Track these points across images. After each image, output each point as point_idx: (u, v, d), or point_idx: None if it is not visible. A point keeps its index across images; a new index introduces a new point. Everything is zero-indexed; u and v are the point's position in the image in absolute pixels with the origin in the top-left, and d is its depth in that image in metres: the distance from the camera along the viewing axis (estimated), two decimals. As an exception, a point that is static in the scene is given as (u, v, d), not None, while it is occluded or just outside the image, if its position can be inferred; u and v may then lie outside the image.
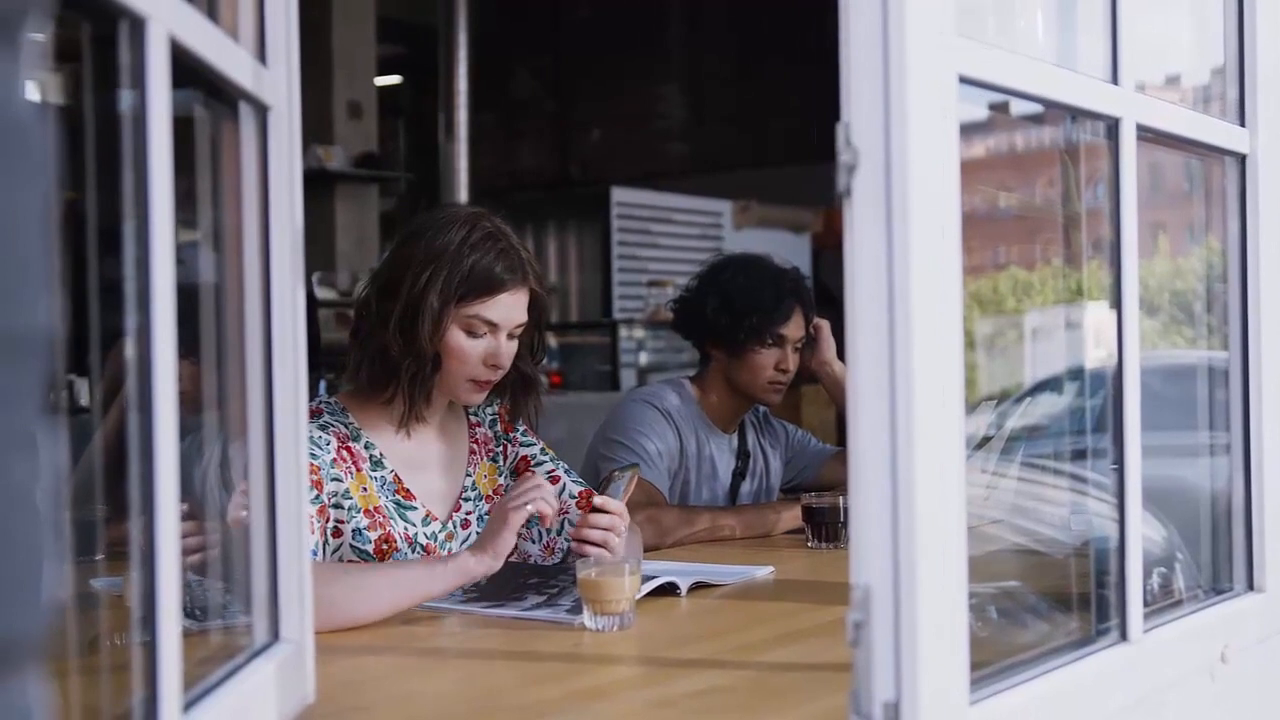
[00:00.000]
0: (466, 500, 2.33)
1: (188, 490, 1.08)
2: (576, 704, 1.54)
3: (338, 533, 2.13)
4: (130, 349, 1.01)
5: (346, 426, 2.22)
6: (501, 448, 2.41)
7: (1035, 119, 1.72)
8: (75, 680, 1.17)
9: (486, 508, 2.34)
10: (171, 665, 1.02)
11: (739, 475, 3.15)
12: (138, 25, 0.99)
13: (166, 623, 1.01)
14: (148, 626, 1.01)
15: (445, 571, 1.97)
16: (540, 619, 1.93)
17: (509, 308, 2.21)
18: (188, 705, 1.09)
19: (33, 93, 0.59)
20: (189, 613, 1.25)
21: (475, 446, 2.38)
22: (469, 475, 2.35)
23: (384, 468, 2.23)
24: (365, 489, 2.19)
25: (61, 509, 0.62)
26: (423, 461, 2.29)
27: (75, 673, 1.17)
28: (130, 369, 1.02)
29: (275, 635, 1.37)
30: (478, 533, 2.29)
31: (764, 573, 2.36)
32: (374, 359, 2.20)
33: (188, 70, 1.11)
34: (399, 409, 2.24)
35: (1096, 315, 1.90)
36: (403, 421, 2.24)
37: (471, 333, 2.19)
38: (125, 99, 1.02)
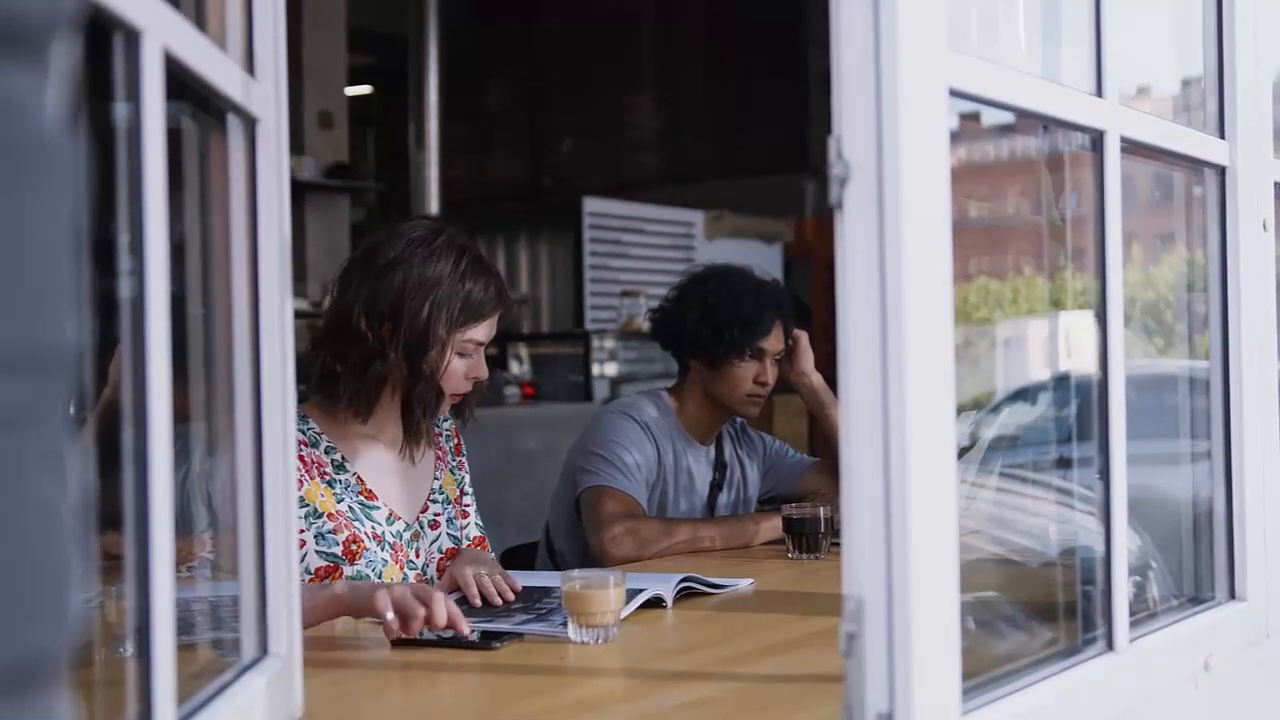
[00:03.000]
0: (435, 502, 2.41)
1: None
2: (565, 717, 1.54)
3: (299, 544, 2.16)
4: (125, 362, 1.00)
5: (304, 433, 2.26)
6: (457, 462, 2.52)
7: (1005, 129, 1.73)
8: (80, 706, 1.16)
9: (453, 511, 2.44)
10: (165, 680, 1.01)
11: (716, 487, 3.15)
12: (133, 38, 0.98)
13: (161, 638, 1.00)
14: (142, 641, 1.00)
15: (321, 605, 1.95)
16: (535, 632, 1.93)
17: (493, 326, 2.34)
18: (180, 721, 1.08)
19: (60, 108, 0.58)
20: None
21: (440, 453, 2.47)
22: (436, 479, 2.43)
23: (347, 471, 2.28)
24: (324, 495, 2.24)
25: (86, 526, 0.61)
26: (389, 466, 2.35)
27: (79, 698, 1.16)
28: (122, 381, 1.01)
29: (264, 650, 1.36)
30: (447, 534, 2.40)
31: (745, 584, 2.36)
32: (374, 385, 2.26)
33: (177, 81, 1.11)
34: (392, 425, 2.33)
35: (1069, 325, 1.91)
36: (404, 446, 2.34)
37: (462, 354, 2.30)
38: (118, 110, 1.02)
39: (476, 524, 2.52)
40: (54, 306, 0.56)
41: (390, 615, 1.82)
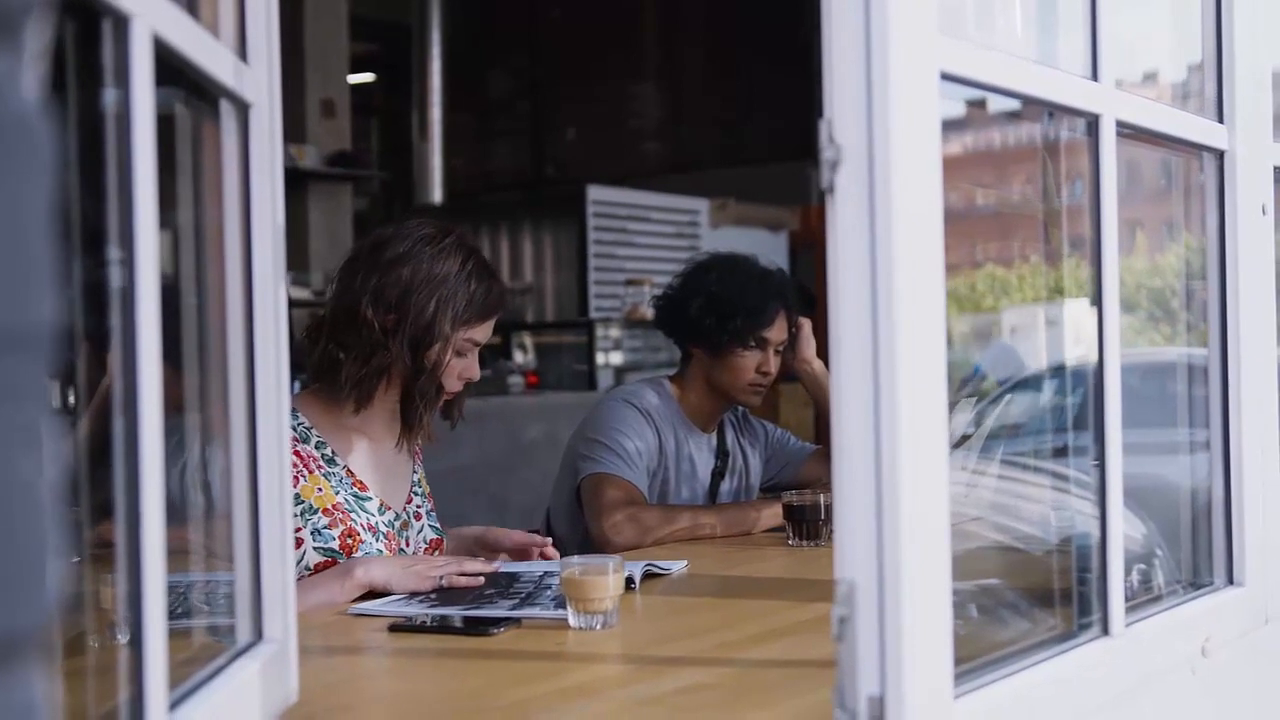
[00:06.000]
0: (416, 494, 2.46)
1: (167, 491, 1.08)
2: (562, 702, 1.54)
3: (297, 543, 2.18)
4: (115, 351, 1.00)
5: (295, 428, 2.27)
6: (421, 461, 2.56)
7: (1012, 116, 1.73)
8: (57, 680, 1.16)
9: (430, 505, 2.49)
10: (157, 665, 1.01)
11: (718, 474, 3.15)
12: (121, 23, 0.98)
13: (152, 623, 1.01)
14: (134, 626, 1.01)
15: (345, 589, 2.11)
16: (533, 617, 1.93)
17: (490, 328, 2.39)
18: (173, 704, 1.08)
19: (34, 89, 0.59)
20: (171, 613, 1.25)
21: (417, 450, 2.51)
22: (415, 473, 2.48)
23: (337, 464, 2.31)
24: (320, 489, 2.27)
25: (63, 504, 0.62)
26: (374, 459, 2.39)
27: (57, 673, 1.16)
28: (112, 370, 1.01)
29: (259, 635, 1.37)
30: (429, 525, 2.46)
31: (679, 566, 2.39)
32: (375, 375, 2.29)
33: (168, 68, 1.11)
34: (381, 420, 2.37)
35: (1074, 313, 1.91)
36: (400, 438, 2.37)
37: (459, 353, 2.33)
38: (108, 96, 1.02)
39: (433, 526, 2.53)
40: (29, 285, 0.57)
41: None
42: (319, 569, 2.21)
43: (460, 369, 2.34)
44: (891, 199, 1.15)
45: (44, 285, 0.57)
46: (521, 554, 2.42)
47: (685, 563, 2.43)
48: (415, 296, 2.26)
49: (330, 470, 2.29)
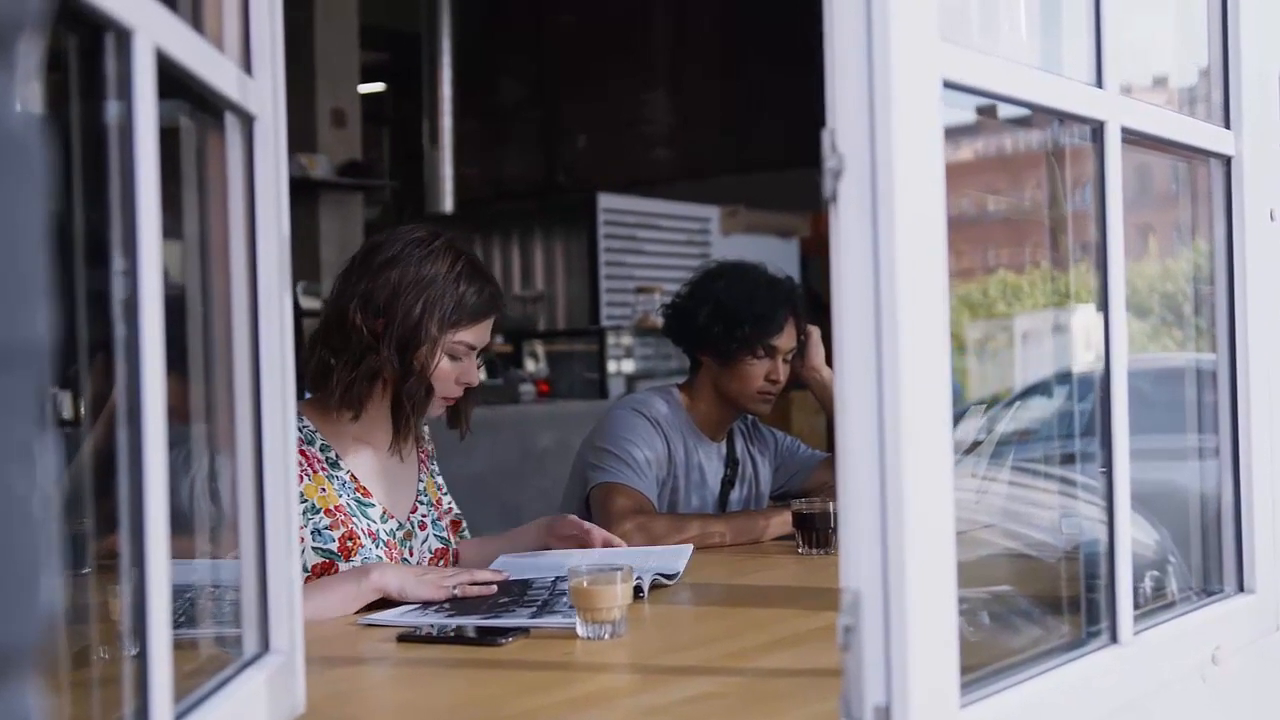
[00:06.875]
0: (422, 503, 2.46)
1: (175, 503, 1.08)
2: (570, 712, 1.54)
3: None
4: (118, 362, 1.01)
5: (300, 431, 2.27)
6: (434, 468, 2.55)
7: (1022, 122, 1.72)
8: (66, 692, 1.16)
9: (436, 514, 2.48)
10: (163, 676, 1.01)
11: (728, 483, 3.14)
12: (124, 36, 0.99)
13: (157, 635, 1.01)
14: (139, 638, 1.01)
15: (360, 592, 2.09)
16: (544, 625, 1.93)
17: (487, 332, 2.37)
18: (179, 716, 1.09)
19: (29, 105, 0.59)
20: (177, 623, 1.25)
21: (423, 458, 2.51)
22: (421, 481, 2.47)
23: (341, 469, 2.32)
24: (324, 490, 2.28)
25: (57, 519, 0.62)
26: (379, 467, 2.39)
27: (65, 685, 1.16)
28: (118, 382, 1.02)
29: (265, 646, 1.37)
30: (434, 535, 2.45)
31: (685, 553, 2.42)
32: (366, 379, 2.28)
33: (173, 81, 1.11)
34: (383, 428, 2.36)
35: (1085, 319, 1.90)
36: (393, 444, 2.36)
37: (453, 356, 2.33)
38: (111, 109, 1.02)
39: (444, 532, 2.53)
40: (23, 301, 0.57)
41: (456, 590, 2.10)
42: (316, 570, 2.21)
43: (457, 373, 2.33)
44: (894, 207, 1.15)
45: (39, 302, 0.58)
46: (581, 543, 2.45)
47: (690, 548, 2.44)
48: (403, 298, 2.26)
49: (334, 473, 2.30)
